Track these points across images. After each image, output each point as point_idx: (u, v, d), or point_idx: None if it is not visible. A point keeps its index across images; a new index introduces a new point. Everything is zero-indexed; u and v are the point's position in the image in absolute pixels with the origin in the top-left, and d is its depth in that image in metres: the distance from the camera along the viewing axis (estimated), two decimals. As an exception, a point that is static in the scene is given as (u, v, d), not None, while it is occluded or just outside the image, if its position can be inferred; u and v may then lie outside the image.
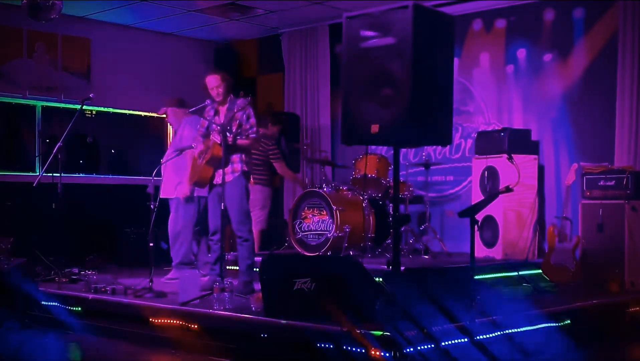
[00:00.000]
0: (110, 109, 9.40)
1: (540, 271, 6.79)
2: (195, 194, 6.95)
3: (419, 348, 4.27)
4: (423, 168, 8.02)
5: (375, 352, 4.23)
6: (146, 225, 7.24)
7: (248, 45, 10.51)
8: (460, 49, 8.36)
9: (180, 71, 9.88)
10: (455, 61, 7.59)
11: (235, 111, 6.09)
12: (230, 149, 6.05)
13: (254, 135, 6.14)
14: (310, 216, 7.36)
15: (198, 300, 5.51)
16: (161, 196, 6.99)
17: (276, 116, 8.66)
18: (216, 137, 6.09)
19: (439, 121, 4.09)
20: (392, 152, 4.25)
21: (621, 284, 6.49)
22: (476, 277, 5.78)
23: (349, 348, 4.33)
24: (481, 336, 4.54)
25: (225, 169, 6.03)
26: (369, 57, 3.99)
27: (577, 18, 7.66)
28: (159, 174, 7.00)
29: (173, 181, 7.07)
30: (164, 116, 7.45)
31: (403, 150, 8.04)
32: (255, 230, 7.69)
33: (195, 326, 5.20)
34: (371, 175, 7.70)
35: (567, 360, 4.87)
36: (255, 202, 7.59)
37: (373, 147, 8.15)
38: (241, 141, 6.09)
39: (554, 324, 5.14)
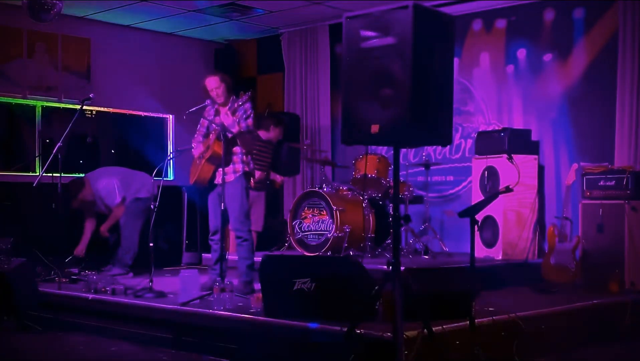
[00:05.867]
0: (110, 109, 9.40)
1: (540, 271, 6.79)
2: (132, 196, 7.48)
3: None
4: (423, 168, 8.02)
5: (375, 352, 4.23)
6: (146, 225, 7.26)
7: (248, 45, 10.50)
8: (460, 49, 8.36)
9: (180, 71, 9.88)
10: (455, 60, 7.61)
11: (236, 106, 6.08)
12: (230, 143, 6.04)
13: (245, 128, 6.10)
14: (310, 216, 7.36)
15: (198, 300, 5.51)
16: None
17: (277, 117, 8.26)
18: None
19: (439, 121, 4.08)
20: (392, 152, 4.24)
21: (621, 284, 6.49)
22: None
23: (349, 348, 4.33)
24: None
25: (227, 168, 6.03)
26: (369, 57, 3.99)
27: (577, 18, 7.66)
28: (159, 174, 7.01)
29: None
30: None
31: (403, 150, 8.03)
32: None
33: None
34: (371, 175, 7.70)
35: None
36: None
37: (373, 147, 8.14)
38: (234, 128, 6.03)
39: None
